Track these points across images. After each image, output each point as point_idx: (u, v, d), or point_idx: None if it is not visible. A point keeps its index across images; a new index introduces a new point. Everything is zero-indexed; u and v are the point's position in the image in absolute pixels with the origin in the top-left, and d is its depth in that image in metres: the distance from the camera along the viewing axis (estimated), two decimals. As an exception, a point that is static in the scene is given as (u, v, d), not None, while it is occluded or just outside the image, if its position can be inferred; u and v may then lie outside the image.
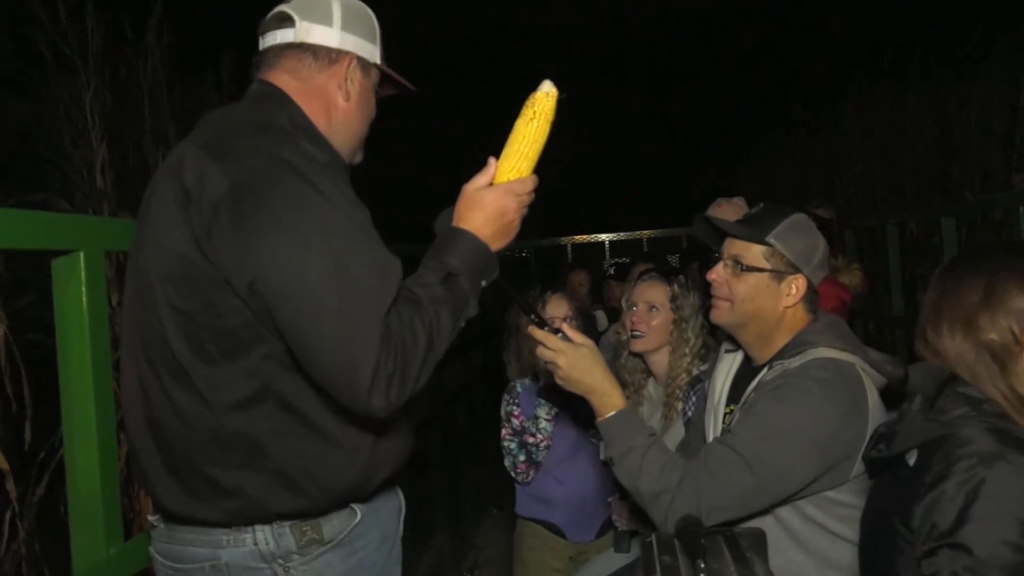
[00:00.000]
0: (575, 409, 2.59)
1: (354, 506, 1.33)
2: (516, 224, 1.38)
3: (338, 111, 1.39)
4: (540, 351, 1.62)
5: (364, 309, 1.14)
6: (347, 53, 1.39)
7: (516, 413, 2.66)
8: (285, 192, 1.17)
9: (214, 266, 1.18)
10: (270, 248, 1.15)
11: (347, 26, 1.39)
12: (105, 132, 3.78)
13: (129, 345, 1.32)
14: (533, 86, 1.37)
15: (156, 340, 1.24)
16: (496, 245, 1.35)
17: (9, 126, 3.51)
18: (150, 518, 1.38)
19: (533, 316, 1.61)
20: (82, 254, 1.43)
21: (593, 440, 2.61)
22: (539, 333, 1.61)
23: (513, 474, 2.66)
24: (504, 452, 2.67)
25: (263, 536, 1.26)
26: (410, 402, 1.19)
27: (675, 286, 2.38)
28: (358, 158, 1.48)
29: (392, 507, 1.44)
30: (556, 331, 1.61)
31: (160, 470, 1.28)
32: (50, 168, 3.92)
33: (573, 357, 1.60)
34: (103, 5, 3.80)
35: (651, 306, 2.37)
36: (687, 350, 2.33)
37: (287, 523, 1.27)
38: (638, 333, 2.38)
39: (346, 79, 1.39)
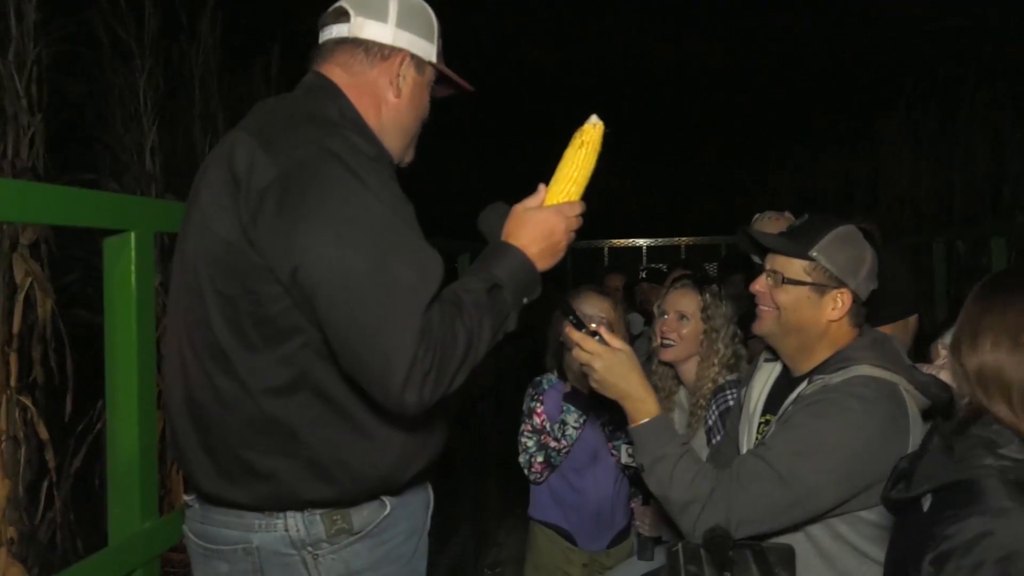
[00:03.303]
0: (599, 417, 2.58)
1: (384, 498, 1.33)
2: (563, 246, 1.39)
3: (388, 107, 1.39)
4: (576, 353, 1.62)
5: (404, 302, 1.14)
6: (400, 50, 1.39)
7: (539, 410, 2.61)
8: (331, 183, 1.18)
9: (258, 253, 1.20)
10: (313, 237, 1.16)
11: (402, 23, 1.39)
12: (156, 116, 3.86)
13: (173, 326, 1.34)
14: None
15: (199, 323, 1.26)
16: (542, 264, 1.36)
17: (65, 106, 3.60)
18: (185, 497, 1.40)
19: (571, 317, 1.61)
20: (133, 234, 1.46)
21: (612, 452, 2.59)
22: (576, 335, 1.60)
23: (526, 471, 2.62)
24: (520, 448, 2.62)
25: (294, 523, 1.27)
26: (443, 399, 1.19)
27: (707, 295, 2.35)
28: (409, 158, 1.48)
29: (421, 501, 1.44)
30: (594, 334, 1.60)
31: (197, 450, 1.30)
32: (101, 149, 4.03)
33: (610, 361, 1.59)
34: (160, -8, 3.89)
35: (682, 315, 2.34)
36: (716, 360, 2.29)
37: (318, 511, 1.28)
38: (668, 342, 2.35)
39: (398, 75, 1.39)
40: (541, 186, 1.41)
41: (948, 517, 1.11)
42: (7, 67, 2.91)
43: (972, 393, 1.19)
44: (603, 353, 1.58)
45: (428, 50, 1.42)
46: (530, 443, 2.60)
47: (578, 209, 1.40)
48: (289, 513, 1.27)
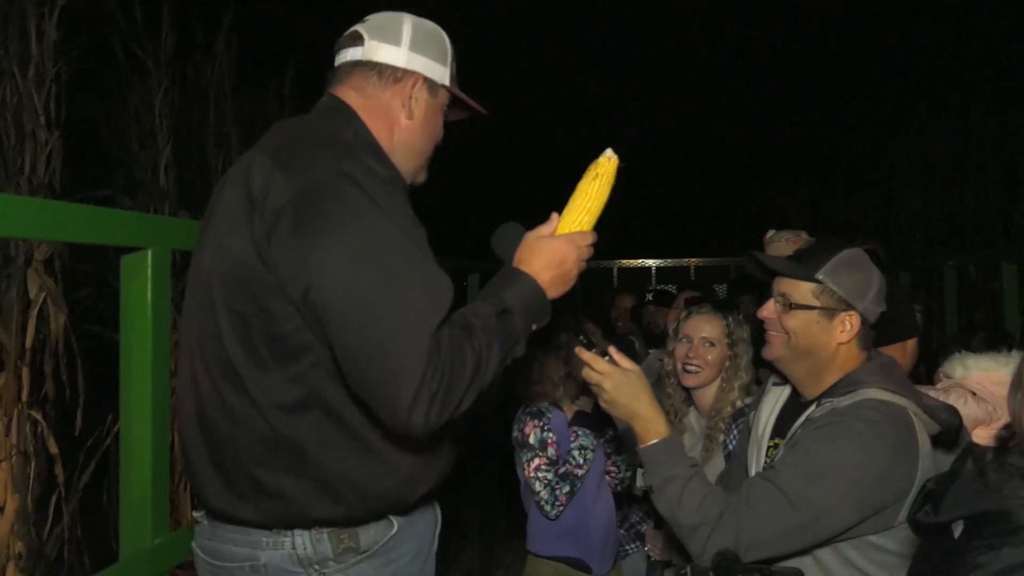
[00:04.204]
0: (602, 435, 2.57)
1: (391, 517, 1.34)
2: (574, 274, 1.41)
3: (401, 129, 1.41)
4: (586, 373, 1.62)
5: (413, 325, 1.15)
6: (413, 73, 1.41)
7: (552, 440, 2.51)
8: (344, 204, 1.20)
9: (271, 272, 1.21)
10: (325, 258, 1.17)
11: (415, 47, 1.41)
12: (171, 133, 3.90)
13: (186, 342, 1.35)
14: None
15: (212, 339, 1.28)
16: (552, 292, 1.38)
17: (81, 123, 3.65)
18: (194, 514, 1.41)
19: (582, 337, 1.62)
20: (150, 252, 1.48)
21: (610, 469, 2.58)
22: (586, 355, 1.60)
23: (549, 508, 2.47)
24: (539, 484, 2.46)
25: (301, 541, 1.28)
26: (452, 421, 1.20)
27: (730, 320, 2.32)
28: (421, 178, 1.49)
29: (428, 521, 1.44)
30: (604, 354, 1.60)
31: (207, 466, 1.31)
32: (117, 165, 4.07)
33: (620, 381, 1.59)
34: (177, 11, 3.95)
35: (708, 341, 2.31)
36: (737, 385, 2.27)
37: (325, 530, 1.28)
38: (693, 368, 2.30)
39: (410, 98, 1.41)
40: (554, 215, 1.44)
41: (981, 546, 1.10)
42: (27, 85, 2.96)
43: (1017, 414, 1.18)
44: (613, 373, 1.59)
45: (441, 73, 1.44)
46: (550, 476, 2.47)
47: (590, 239, 1.43)
48: (296, 531, 1.28)
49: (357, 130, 1.37)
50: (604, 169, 1.45)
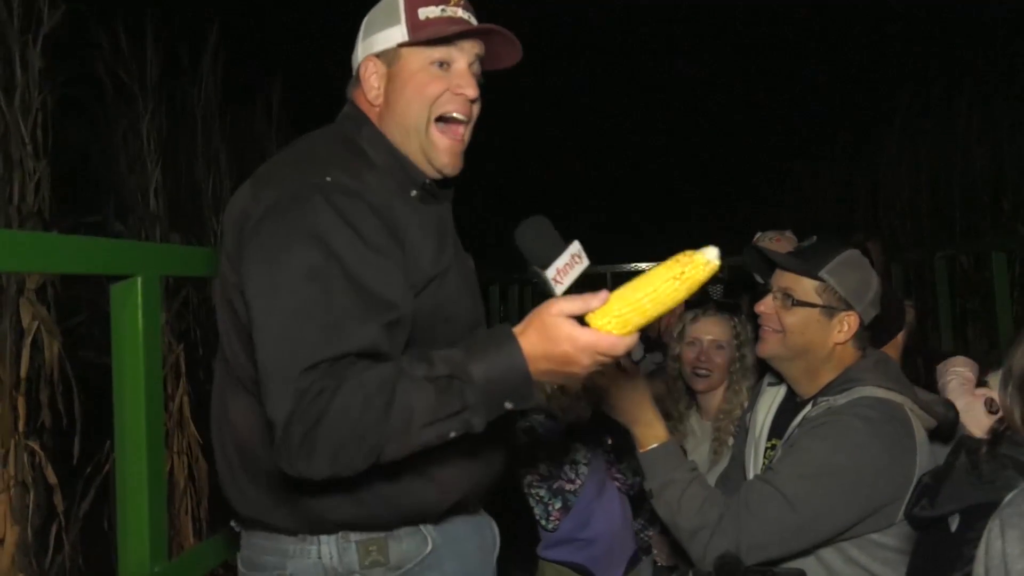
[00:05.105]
0: (599, 445, 2.55)
1: (424, 529, 1.28)
2: (580, 378, 1.19)
3: (377, 116, 1.33)
4: (594, 376, 1.61)
5: (288, 358, 1.08)
6: (361, 61, 1.34)
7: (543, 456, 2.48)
8: (285, 228, 1.16)
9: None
10: (251, 280, 1.17)
11: (365, 35, 1.35)
12: (160, 156, 3.91)
13: (219, 353, 1.35)
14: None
15: (229, 352, 1.28)
16: (544, 379, 1.15)
17: (69, 150, 3.65)
18: (232, 523, 1.40)
19: None
20: (139, 279, 1.48)
21: (617, 476, 2.57)
22: None
23: (544, 522, 2.46)
24: (532, 500, 2.45)
25: (327, 549, 1.26)
26: (492, 424, 1.11)
27: (737, 322, 2.28)
28: (443, 160, 1.32)
29: (474, 538, 1.35)
30: None
31: (233, 472, 1.31)
32: (106, 190, 4.07)
33: (625, 386, 1.59)
34: (162, 35, 3.95)
35: (717, 344, 2.27)
36: (745, 387, 2.22)
37: (352, 537, 1.25)
38: (704, 372, 2.27)
39: (370, 85, 1.33)
40: (604, 292, 1.13)
41: (978, 538, 1.11)
42: (13, 114, 2.96)
43: (1016, 407, 1.18)
44: (618, 377, 1.59)
45: (390, 36, 1.30)
46: (542, 492, 2.45)
47: (620, 350, 1.12)
48: (323, 538, 1.26)
49: (365, 133, 1.33)
50: (692, 274, 1.11)
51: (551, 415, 2.55)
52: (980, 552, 1.05)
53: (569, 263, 1.39)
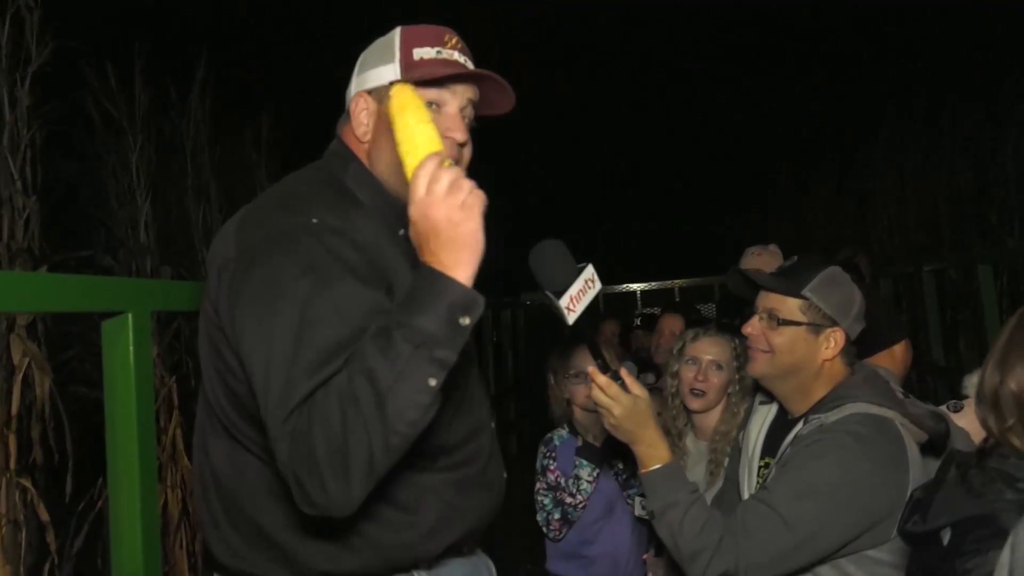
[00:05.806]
0: (612, 468, 2.56)
1: (416, 574, 1.26)
2: (473, 230, 1.07)
3: (365, 154, 1.33)
4: (596, 395, 1.60)
5: (276, 410, 1.06)
6: (352, 98, 1.34)
7: (552, 468, 2.58)
8: (270, 269, 1.14)
9: (225, 327, 1.19)
10: (239, 327, 1.14)
11: (360, 72, 1.34)
12: (149, 190, 3.92)
13: (200, 395, 1.34)
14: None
15: (210, 393, 1.27)
16: (461, 270, 1.06)
17: (59, 185, 3.65)
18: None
19: (599, 361, 1.60)
20: (130, 315, 1.48)
21: (628, 501, 2.57)
22: (600, 379, 1.58)
23: (545, 530, 2.59)
24: (537, 507, 2.59)
25: None
26: (489, 456, 1.11)
27: (738, 342, 2.26)
28: None
29: None
30: (616, 378, 1.60)
31: (216, 521, 1.28)
32: (96, 225, 4.07)
33: (629, 407, 1.58)
34: (150, 69, 3.98)
35: (716, 364, 2.27)
36: (743, 408, 2.20)
37: None
38: (700, 392, 2.27)
39: (359, 122, 1.33)
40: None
41: (969, 551, 1.12)
42: (2, 151, 2.97)
43: (990, 420, 1.19)
44: (623, 398, 1.58)
45: (384, 73, 1.30)
46: (546, 501, 2.56)
47: (434, 163, 1.09)
48: None
49: (351, 170, 1.32)
50: (399, 101, 1.19)
51: (574, 431, 2.58)
52: (1005, 556, 1.05)
53: (583, 289, 1.40)
